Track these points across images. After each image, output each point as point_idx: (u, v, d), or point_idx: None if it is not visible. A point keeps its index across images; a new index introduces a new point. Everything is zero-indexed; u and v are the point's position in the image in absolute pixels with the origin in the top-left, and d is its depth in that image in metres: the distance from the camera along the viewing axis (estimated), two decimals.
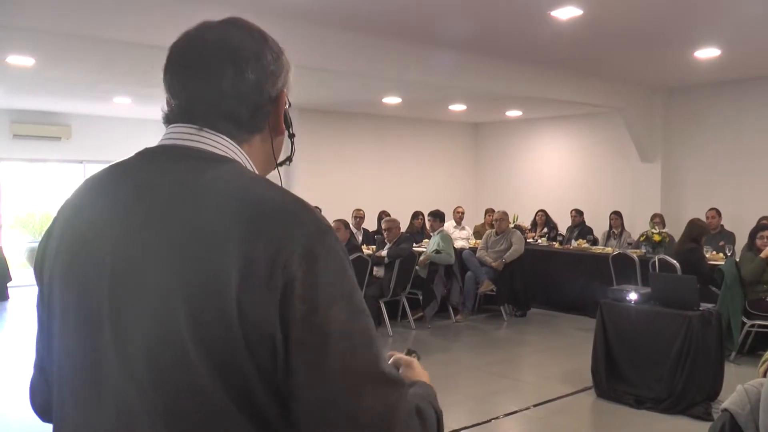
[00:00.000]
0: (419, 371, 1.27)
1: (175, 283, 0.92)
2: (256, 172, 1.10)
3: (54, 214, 1.13)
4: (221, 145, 1.05)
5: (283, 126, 1.16)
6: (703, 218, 8.22)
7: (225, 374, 0.91)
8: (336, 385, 0.91)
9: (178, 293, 0.92)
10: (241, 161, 1.07)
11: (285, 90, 1.14)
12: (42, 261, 1.10)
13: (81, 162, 11.50)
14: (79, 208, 1.08)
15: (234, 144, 1.07)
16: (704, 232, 7.49)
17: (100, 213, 1.04)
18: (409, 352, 1.35)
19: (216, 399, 0.92)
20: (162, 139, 1.08)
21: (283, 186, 1.04)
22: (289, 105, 1.18)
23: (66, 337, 1.03)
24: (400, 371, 1.23)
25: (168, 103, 1.11)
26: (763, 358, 2.46)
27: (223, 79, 1.05)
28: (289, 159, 1.23)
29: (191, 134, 1.05)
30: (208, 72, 1.06)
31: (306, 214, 0.96)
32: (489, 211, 11.09)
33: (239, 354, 0.91)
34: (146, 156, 1.07)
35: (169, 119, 1.09)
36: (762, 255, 6.39)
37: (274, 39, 1.14)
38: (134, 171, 1.05)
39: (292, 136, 1.20)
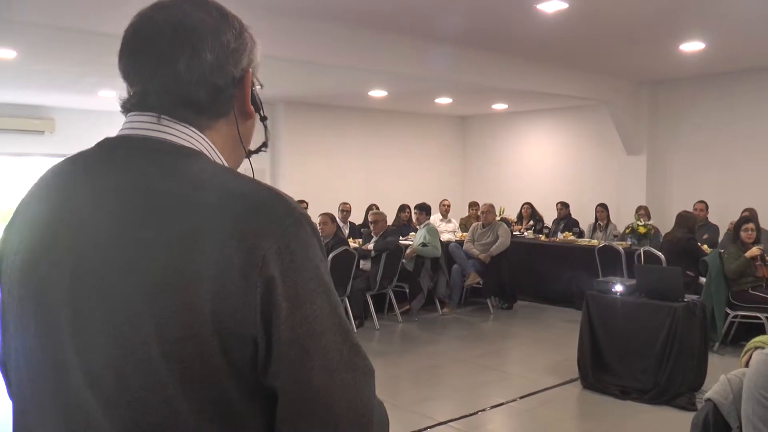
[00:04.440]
0: None
1: (140, 293, 0.87)
2: (224, 162, 1.03)
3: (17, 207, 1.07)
4: (183, 134, 0.98)
5: (252, 108, 1.07)
6: (691, 210, 8.27)
7: (198, 387, 0.88)
8: (321, 380, 0.90)
9: (143, 304, 0.87)
10: (207, 152, 1.00)
11: (251, 69, 1.05)
12: (1, 256, 1.03)
13: (66, 156, 11.35)
14: (37, 205, 1.02)
15: (197, 132, 1.00)
16: (696, 221, 7.59)
17: (58, 213, 0.97)
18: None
19: (187, 413, 0.88)
20: (121, 129, 1.02)
21: (269, 179, 1.01)
22: (261, 86, 1.10)
23: (25, 344, 0.98)
24: None
25: (127, 90, 1.04)
26: (746, 348, 2.49)
27: (177, 61, 0.98)
28: (264, 145, 1.15)
29: (150, 123, 0.98)
30: (160, 55, 0.98)
31: (279, 206, 0.91)
32: (473, 204, 11.11)
33: (215, 365, 0.87)
34: (106, 148, 1.00)
35: (126, 108, 1.02)
36: (747, 255, 6.45)
37: (235, 15, 1.06)
38: (94, 167, 0.99)
39: (264, 119, 1.12)
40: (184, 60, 0.98)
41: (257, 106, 1.09)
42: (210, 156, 1.01)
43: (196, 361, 0.87)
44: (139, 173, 0.94)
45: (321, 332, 0.90)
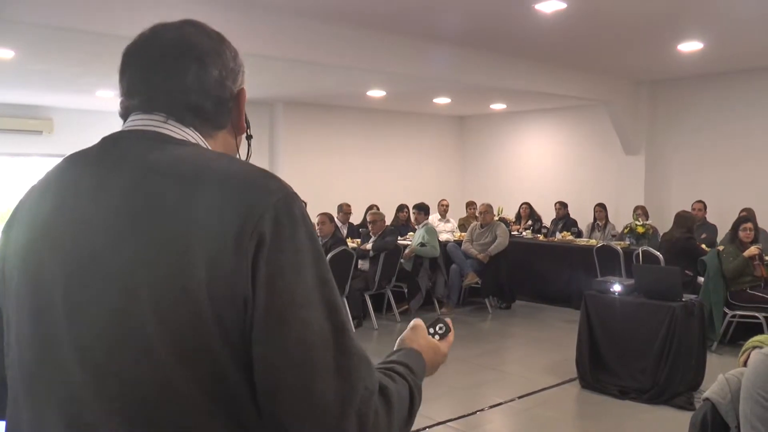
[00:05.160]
0: (419, 335, 1.24)
1: (135, 272, 0.91)
2: None
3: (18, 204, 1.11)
4: (185, 133, 1.05)
5: (244, 124, 1.16)
6: (690, 210, 8.27)
7: (191, 356, 0.89)
8: (294, 355, 0.89)
9: (138, 274, 0.90)
10: (205, 146, 1.07)
11: (244, 87, 1.15)
12: (4, 252, 1.07)
13: (64, 156, 11.32)
14: (40, 199, 1.06)
15: (198, 135, 1.07)
16: (695, 221, 7.60)
17: (59, 202, 1.02)
18: (436, 321, 1.32)
19: (183, 390, 0.89)
20: (124, 127, 1.08)
21: None
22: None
23: (20, 331, 1.01)
24: (404, 334, 1.25)
25: (122, 104, 1.11)
26: (744, 348, 2.49)
27: (187, 73, 1.06)
28: None
29: (155, 121, 1.05)
30: (171, 67, 1.07)
31: (273, 182, 0.96)
32: (470, 204, 11.11)
33: (208, 332, 0.89)
34: (109, 142, 1.06)
35: (128, 111, 1.09)
36: (745, 254, 6.45)
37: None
38: (96, 159, 1.04)
39: (249, 137, 1.21)
40: (193, 72, 1.06)
41: (247, 123, 1.18)
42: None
43: (189, 327, 0.89)
44: (135, 160, 0.99)
45: (302, 304, 0.90)
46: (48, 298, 0.97)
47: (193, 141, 1.05)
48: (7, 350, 1.05)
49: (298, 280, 0.91)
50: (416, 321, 1.28)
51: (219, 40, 1.12)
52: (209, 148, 1.07)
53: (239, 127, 1.15)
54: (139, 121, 1.06)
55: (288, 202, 0.95)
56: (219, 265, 0.89)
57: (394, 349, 1.20)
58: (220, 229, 0.90)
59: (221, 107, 1.09)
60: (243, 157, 1.19)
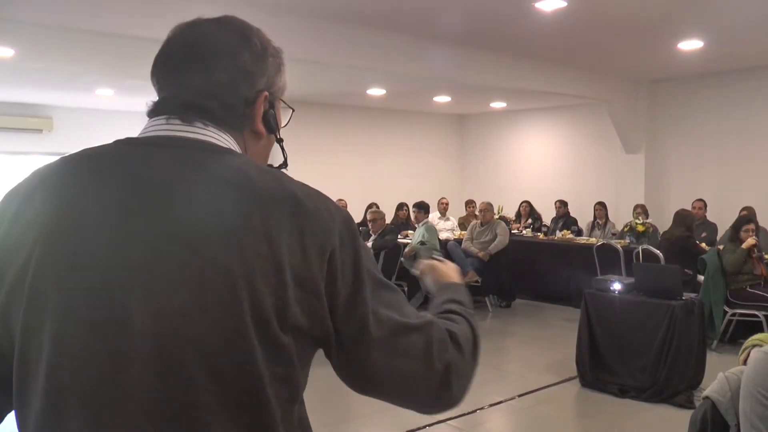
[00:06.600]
0: (443, 269, 1.37)
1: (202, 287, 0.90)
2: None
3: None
4: (208, 132, 1.03)
5: (261, 128, 1.10)
6: (689, 209, 8.26)
7: (229, 382, 0.92)
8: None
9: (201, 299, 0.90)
10: (233, 146, 1.04)
11: (265, 92, 1.10)
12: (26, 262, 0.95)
13: (64, 155, 11.29)
14: (58, 204, 0.97)
15: (215, 129, 1.03)
16: (694, 220, 7.59)
17: (88, 214, 0.94)
18: (416, 255, 1.44)
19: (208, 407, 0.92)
20: (142, 132, 1.05)
21: None
22: (293, 110, 1.20)
23: (65, 341, 0.91)
24: (428, 277, 1.37)
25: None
26: (744, 346, 2.49)
27: (192, 74, 1.04)
28: (284, 165, 1.18)
29: (162, 124, 1.02)
30: (176, 67, 1.05)
31: (332, 205, 1.04)
32: (470, 203, 11.10)
33: (251, 359, 0.93)
34: (128, 145, 1.02)
35: (147, 115, 1.07)
36: (744, 246, 6.44)
37: (265, 39, 1.12)
38: (121, 164, 0.99)
39: (279, 141, 1.16)
40: (198, 75, 1.04)
41: (271, 128, 1.13)
42: (243, 155, 1.05)
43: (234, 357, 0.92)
44: (173, 169, 0.97)
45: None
46: (108, 311, 0.90)
47: (221, 143, 1.03)
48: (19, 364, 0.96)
49: (373, 295, 1.06)
50: (429, 262, 1.39)
51: (240, 39, 1.07)
52: (233, 140, 1.05)
53: (255, 131, 1.10)
54: (155, 126, 1.04)
55: (350, 224, 1.07)
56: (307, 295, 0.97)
57: (433, 288, 1.33)
58: (283, 261, 0.94)
59: (229, 111, 1.05)
60: (278, 162, 1.18)
